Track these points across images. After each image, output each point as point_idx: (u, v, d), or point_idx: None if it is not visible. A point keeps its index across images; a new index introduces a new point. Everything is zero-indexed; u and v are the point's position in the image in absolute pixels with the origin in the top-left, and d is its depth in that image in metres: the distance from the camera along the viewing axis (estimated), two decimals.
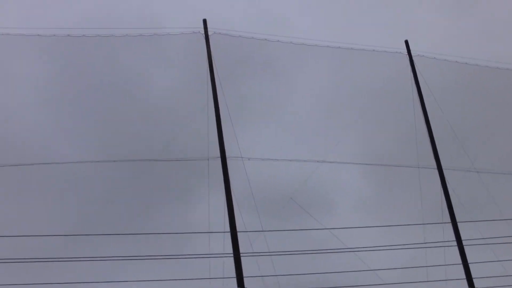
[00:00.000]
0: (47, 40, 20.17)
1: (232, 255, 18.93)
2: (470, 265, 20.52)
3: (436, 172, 22.70)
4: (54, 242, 18.52)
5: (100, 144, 21.78)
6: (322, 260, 19.51)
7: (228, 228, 19.26)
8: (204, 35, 21.15)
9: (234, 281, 18.66)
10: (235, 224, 19.22)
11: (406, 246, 19.87)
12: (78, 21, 21.87)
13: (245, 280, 18.78)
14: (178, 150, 20.38)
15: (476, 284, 20.26)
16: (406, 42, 24.69)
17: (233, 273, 18.76)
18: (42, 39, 20.10)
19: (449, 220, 21.58)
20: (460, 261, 20.66)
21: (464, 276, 20.36)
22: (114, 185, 21.41)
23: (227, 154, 19.96)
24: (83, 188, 21.13)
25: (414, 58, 24.04)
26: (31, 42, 20.13)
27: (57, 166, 19.90)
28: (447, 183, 22.16)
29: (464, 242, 20.88)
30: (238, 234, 19.18)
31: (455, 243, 20.97)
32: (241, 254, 18.94)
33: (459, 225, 21.39)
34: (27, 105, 20.98)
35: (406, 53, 24.28)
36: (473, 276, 20.34)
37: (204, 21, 21.76)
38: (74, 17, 23.54)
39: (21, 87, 20.86)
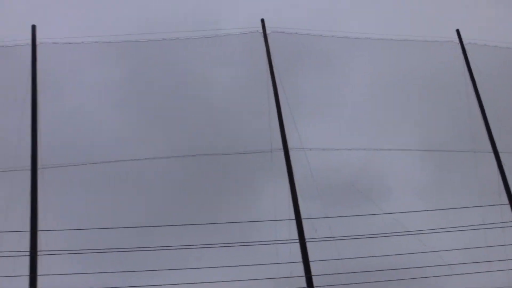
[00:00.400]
0: (116, 46, 21.43)
1: (298, 241, 19.69)
2: None
3: (491, 156, 23.03)
4: (127, 233, 19.53)
5: (167, 142, 22.78)
6: (383, 244, 20.07)
7: (293, 216, 20.02)
8: (262, 34, 22.23)
9: (301, 265, 19.34)
10: (299, 211, 19.95)
11: (466, 228, 20.28)
12: (142, 26, 23.04)
13: (311, 265, 19.63)
14: (242, 145, 21.28)
15: None
16: (458, 31, 25.11)
17: (299, 258, 19.47)
18: (112, 45, 21.37)
19: (507, 201, 21.90)
20: None
21: None
22: (182, 180, 22.41)
23: (289, 145, 20.77)
24: (153, 183, 22.14)
25: (465, 46, 24.43)
26: (102, 49, 21.48)
27: (128, 163, 21.04)
28: (503, 165, 22.48)
29: None
30: (303, 221, 19.90)
31: None
32: (306, 240, 19.64)
33: None
34: (99, 109, 22.25)
35: (458, 42, 24.69)
36: None
37: (262, 20, 22.69)
38: (138, 22, 24.75)
39: (94, 92, 22.09)
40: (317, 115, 22.87)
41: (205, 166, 21.54)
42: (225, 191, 22.00)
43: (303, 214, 19.99)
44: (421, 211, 20.23)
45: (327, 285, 19.07)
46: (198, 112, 22.49)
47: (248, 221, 19.45)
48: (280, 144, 20.84)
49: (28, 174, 19.56)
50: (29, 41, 21.26)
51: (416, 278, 19.19)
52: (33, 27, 21.64)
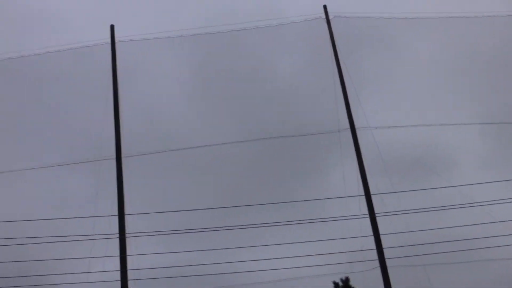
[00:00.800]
0: (188, 39, 22.33)
1: (367, 215, 20.16)
2: None
3: None
4: (206, 214, 20.46)
5: (238, 127, 23.74)
6: (450, 216, 20.39)
7: (362, 192, 20.50)
8: (325, 19, 22.78)
9: (371, 239, 19.77)
10: (368, 187, 20.45)
11: None
12: (210, 19, 23.97)
13: (381, 238, 19.94)
14: (310, 127, 21.87)
15: None
16: None
17: (369, 232, 19.91)
18: (184, 39, 22.29)
19: None
20: None
21: None
22: (254, 163, 23.30)
23: (356, 125, 21.28)
24: (227, 167, 23.11)
25: None
26: (175, 43, 22.45)
27: (203, 148, 21.91)
28: None
29: None
30: (372, 196, 20.32)
31: None
32: (376, 214, 20.07)
33: None
34: (174, 99, 23.33)
35: None
36: None
37: (325, 7, 23.20)
38: (206, 15, 25.68)
39: (169, 83, 23.18)
40: (381, 95, 23.29)
41: (276, 149, 22.28)
42: (296, 172, 22.70)
43: (372, 190, 20.45)
44: (488, 182, 20.37)
45: (397, 257, 19.44)
46: (266, 98, 23.31)
47: (320, 199, 20.06)
48: (347, 124, 21.35)
49: (113, 163, 20.70)
50: (108, 40, 22.29)
51: (483, 248, 19.35)
52: (112, 27, 22.68)
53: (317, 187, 23.15)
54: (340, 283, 19.85)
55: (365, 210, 20.30)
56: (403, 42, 24.35)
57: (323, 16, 22.84)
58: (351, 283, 19.87)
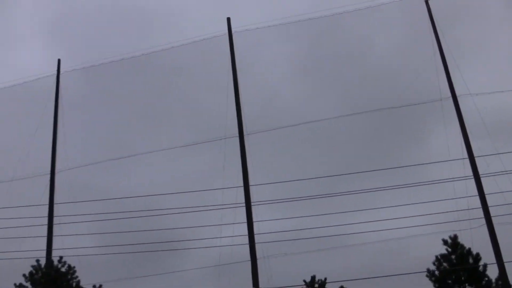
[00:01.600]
0: (295, 25, 23.64)
1: (472, 177, 20.82)
2: None
3: None
4: (322, 182, 21.78)
5: (346, 101, 25.03)
6: None
7: (466, 155, 21.19)
8: None
9: (477, 199, 20.41)
10: (472, 151, 21.16)
11: None
12: (313, 5, 25.24)
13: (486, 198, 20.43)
14: (413, 97, 22.68)
15: None
16: None
17: (474, 193, 20.55)
18: (290, 25, 23.64)
19: None
20: None
21: None
22: (365, 133, 24.51)
23: (457, 93, 21.96)
24: (338, 138, 24.59)
25: None
26: (283, 29, 24.00)
27: (318, 122, 23.24)
28: None
29: None
30: (475, 158, 21.01)
31: None
32: (480, 175, 20.72)
33: None
34: (286, 79, 24.88)
35: None
36: None
37: None
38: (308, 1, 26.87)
39: (280, 65, 24.77)
40: (479, 63, 23.73)
41: (382, 120, 23.37)
42: (401, 140, 23.69)
43: (475, 153, 21.08)
44: None
45: (503, 214, 19.89)
46: (370, 74, 24.32)
47: (428, 163, 20.98)
48: (448, 93, 22.03)
49: (236, 140, 22.46)
50: (225, 32, 23.98)
51: None
52: (228, 20, 24.28)
53: (422, 153, 24.03)
54: (449, 241, 20.37)
55: (469, 172, 20.92)
56: (498, 13, 24.54)
57: None
58: (459, 240, 20.33)
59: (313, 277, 20.64)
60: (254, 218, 21.25)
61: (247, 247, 20.75)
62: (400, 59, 24.87)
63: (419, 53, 23.64)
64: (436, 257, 20.35)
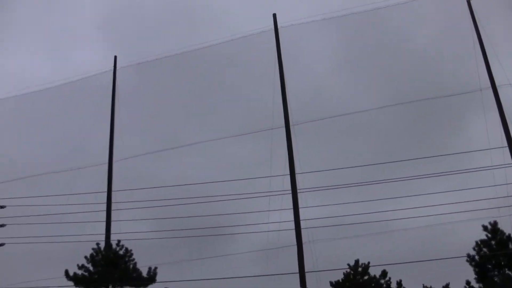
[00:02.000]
0: (337, 20, 24.22)
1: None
2: None
3: None
4: (364, 170, 22.49)
5: (389, 92, 25.50)
6: None
7: (505, 143, 21.35)
8: None
9: None
10: (511, 139, 21.31)
11: None
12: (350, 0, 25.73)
13: None
14: (453, 87, 23.07)
15: None
16: None
17: None
18: (333, 20, 24.28)
19: None
20: None
21: None
22: (405, 123, 24.96)
23: (497, 83, 22.15)
24: (381, 127, 25.14)
25: None
26: (326, 24, 24.64)
27: (361, 113, 23.95)
28: None
29: None
30: None
31: None
32: None
33: None
34: (329, 72, 25.47)
35: None
36: None
37: None
38: None
39: (324, 58, 25.40)
40: None
41: (423, 110, 23.85)
42: (441, 129, 24.01)
43: None
44: None
45: None
46: (411, 66, 24.72)
47: (469, 151, 21.36)
48: (488, 83, 22.21)
49: (283, 131, 23.16)
50: (271, 27, 24.70)
51: None
52: (274, 16, 24.97)
53: (462, 142, 24.34)
54: (489, 227, 20.61)
55: (508, 160, 21.10)
56: None
57: None
58: (499, 226, 20.54)
59: (356, 261, 21.30)
60: (300, 205, 21.91)
61: (294, 232, 21.36)
62: (440, 51, 25.08)
63: (459, 44, 23.88)
64: (476, 242, 20.66)
